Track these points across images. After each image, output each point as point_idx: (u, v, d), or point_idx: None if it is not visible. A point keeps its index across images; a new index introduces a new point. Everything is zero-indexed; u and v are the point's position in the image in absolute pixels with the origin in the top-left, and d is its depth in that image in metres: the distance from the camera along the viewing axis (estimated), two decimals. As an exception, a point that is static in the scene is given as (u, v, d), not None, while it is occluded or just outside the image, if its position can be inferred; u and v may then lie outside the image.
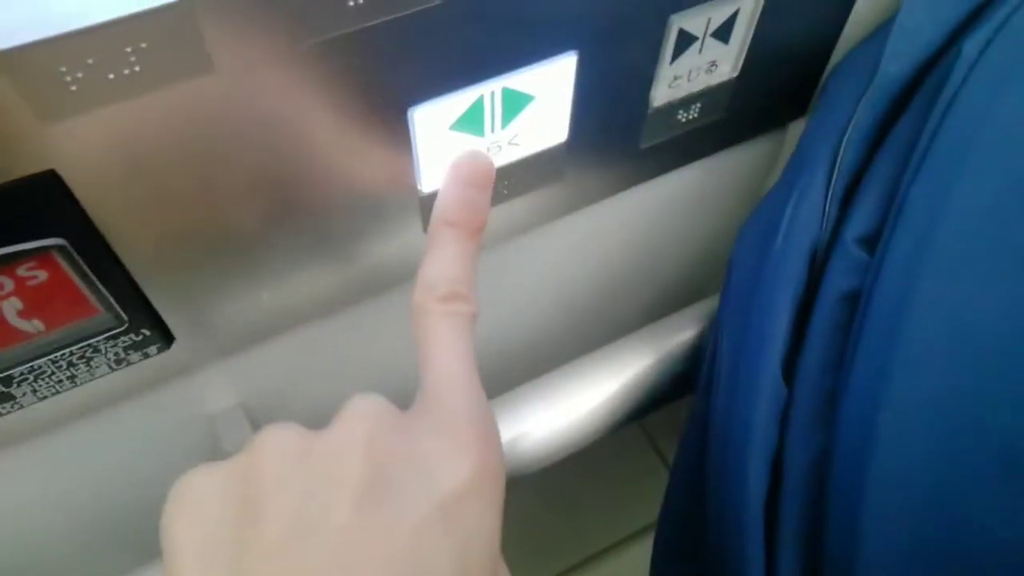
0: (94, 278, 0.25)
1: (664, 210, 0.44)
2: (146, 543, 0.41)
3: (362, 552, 0.20)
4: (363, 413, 0.23)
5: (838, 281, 0.30)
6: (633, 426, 0.45)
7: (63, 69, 0.20)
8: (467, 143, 0.29)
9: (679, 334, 0.44)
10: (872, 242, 0.30)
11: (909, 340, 0.27)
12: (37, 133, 0.21)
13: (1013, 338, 0.25)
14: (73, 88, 0.20)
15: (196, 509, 0.21)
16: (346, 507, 0.20)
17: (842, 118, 0.33)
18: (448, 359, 0.25)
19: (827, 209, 0.32)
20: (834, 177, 0.32)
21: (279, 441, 0.22)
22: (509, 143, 0.31)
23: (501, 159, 0.31)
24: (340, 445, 0.22)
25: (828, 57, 0.37)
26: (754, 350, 0.32)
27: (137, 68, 0.21)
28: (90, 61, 0.20)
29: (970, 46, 0.30)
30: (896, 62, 0.31)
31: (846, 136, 0.32)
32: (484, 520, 0.22)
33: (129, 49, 0.20)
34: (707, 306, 0.46)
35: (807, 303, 0.32)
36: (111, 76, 0.20)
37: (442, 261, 0.26)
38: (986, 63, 0.29)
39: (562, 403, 0.41)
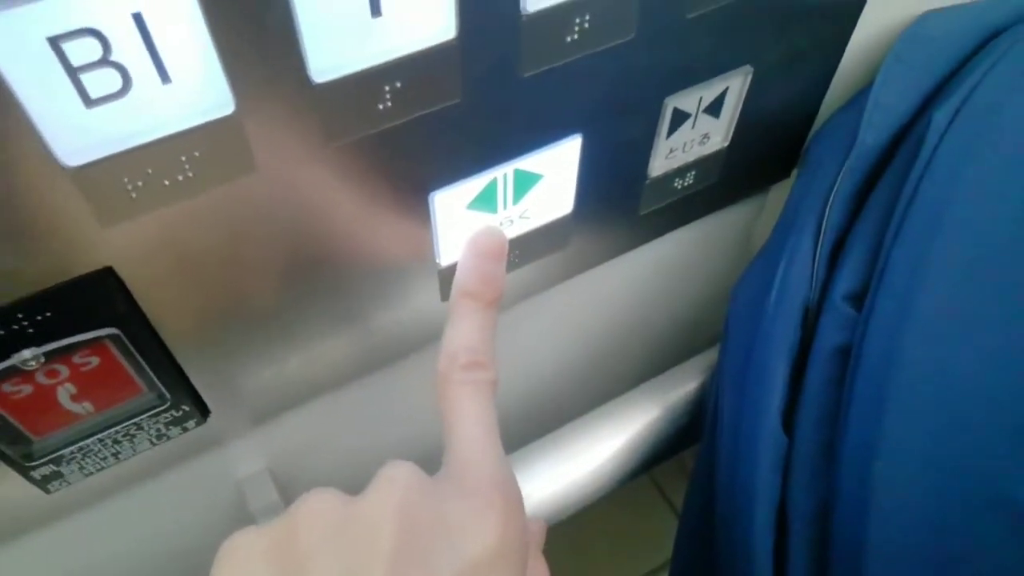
0: (142, 361, 0.27)
1: (660, 269, 0.47)
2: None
3: None
4: (395, 481, 0.24)
5: (830, 336, 0.32)
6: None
7: (125, 179, 0.22)
8: (482, 220, 0.32)
9: (681, 387, 0.46)
10: (859, 298, 0.32)
11: (898, 392, 0.29)
12: (97, 235, 0.23)
13: (993, 385, 0.28)
14: (133, 195, 0.22)
15: (241, 570, 0.23)
16: (380, 573, 0.22)
17: (825, 183, 0.35)
18: (471, 426, 0.26)
19: (815, 269, 0.34)
20: (821, 238, 0.34)
21: (318, 507, 0.23)
22: (520, 217, 0.33)
23: (512, 232, 0.33)
24: (374, 512, 0.23)
25: (811, 124, 0.39)
26: (754, 404, 0.34)
27: (190, 174, 0.23)
28: (149, 171, 0.22)
29: (940, 116, 0.32)
30: (872, 133, 0.34)
31: (830, 200, 0.35)
32: None
33: (184, 158, 0.22)
34: (706, 359, 0.48)
35: (802, 357, 0.34)
36: (166, 182, 0.23)
37: (462, 331, 0.28)
38: (955, 131, 0.32)
39: (572, 460, 0.43)
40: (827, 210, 0.34)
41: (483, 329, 0.29)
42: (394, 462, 0.25)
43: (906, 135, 0.34)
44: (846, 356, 0.31)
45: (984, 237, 0.30)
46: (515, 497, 0.25)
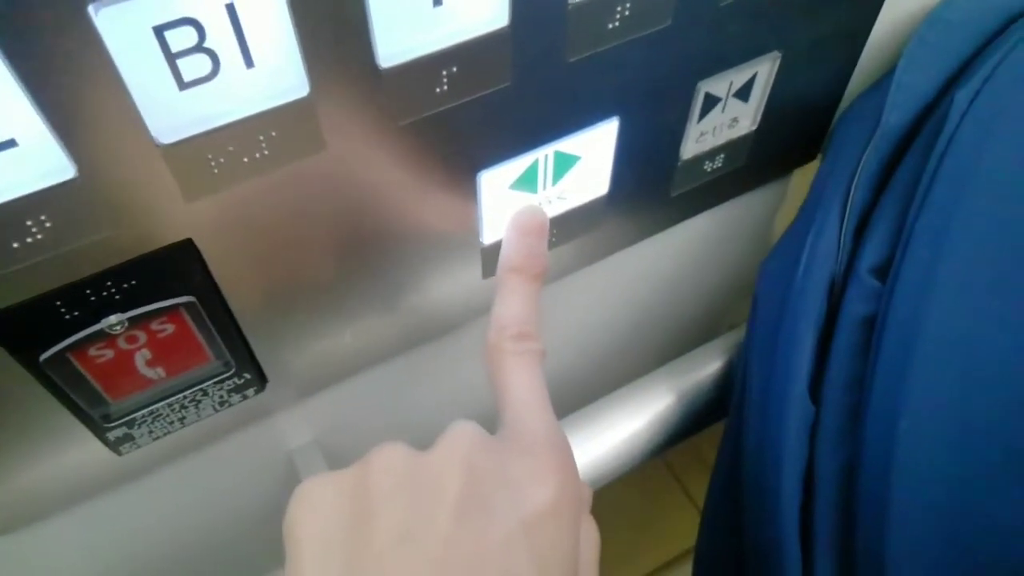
0: (212, 329, 0.29)
1: (688, 250, 0.48)
2: (230, 567, 0.44)
3: (459, 559, 0.23)
4: (461, 437, 0.26)
5: (855, 308, 0.34)
6: (656, 461, 0.47)
7: (209, 156, 0.24)
8: (523, 199, 0.33)
9: (708, 365, 0.47)
10: (884, 271, 0.34)
11: (922, 355, 0.30)
12: (179, 209, 0.25)
13: (1011, 348, 0.29)
14: (215, 171, 0.24)
15: (315, 513, 0.24)
16: (446, 519, 0.23)
17: (850, 162, 0.37)
18: (525, 392, 0.28)
19: (842, 243, 0.36)
20: (847, 215, 0.36)
21: (389, 458, 0.25)
22: (558, 198, 0.35)
23: (551, 212, 0.35)
24: (441, 465, 0.25)
25: (835, 108, 0.41)
26: (782, 373, 0.36)
27: (266, 152, 0.25)
28: (231, 148, 0.24)
29: (961, 96, 0.34)
30: (896, 113, 0.35)
31: (855, 178, 0.36)
32: (562, 537, 0.25)
33: (262, 137, 0.24)
34: (732, 338, 0.49)
35: (828, 328, 0.36)
36: (245, 160, 0.25)
37: (511, 304, 0.30)
38: (976, 111, 0.33)
39: (604, 433, 0.45)
40: (853, 188, 0.36)
41: (529, 303, 0.30)
42: (460, 421, 0.26)
43: (929, 115, 0.35)
44: (871, 326, 0.33)
45: (1004, 208, 0.31)
46: (570, 458, 0.27)
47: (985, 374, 0.29)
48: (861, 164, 0.36)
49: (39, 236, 0.23)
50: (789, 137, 0.41)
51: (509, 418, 0.27)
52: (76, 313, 0.26)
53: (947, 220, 0.32)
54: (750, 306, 0.41)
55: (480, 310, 0.39)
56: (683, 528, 0.91)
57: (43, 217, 0.22)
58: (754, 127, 0.38)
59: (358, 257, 0.31)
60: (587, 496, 0.32)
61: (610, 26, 0.28)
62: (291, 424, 0.40)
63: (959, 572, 0.30)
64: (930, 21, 0.36)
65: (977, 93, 0.34)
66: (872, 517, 0.30)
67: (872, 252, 0.35)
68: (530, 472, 0.25)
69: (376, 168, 0.28)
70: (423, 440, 0.27)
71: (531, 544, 0.24)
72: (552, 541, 0.24)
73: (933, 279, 0.31)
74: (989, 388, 0.29)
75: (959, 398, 0.29)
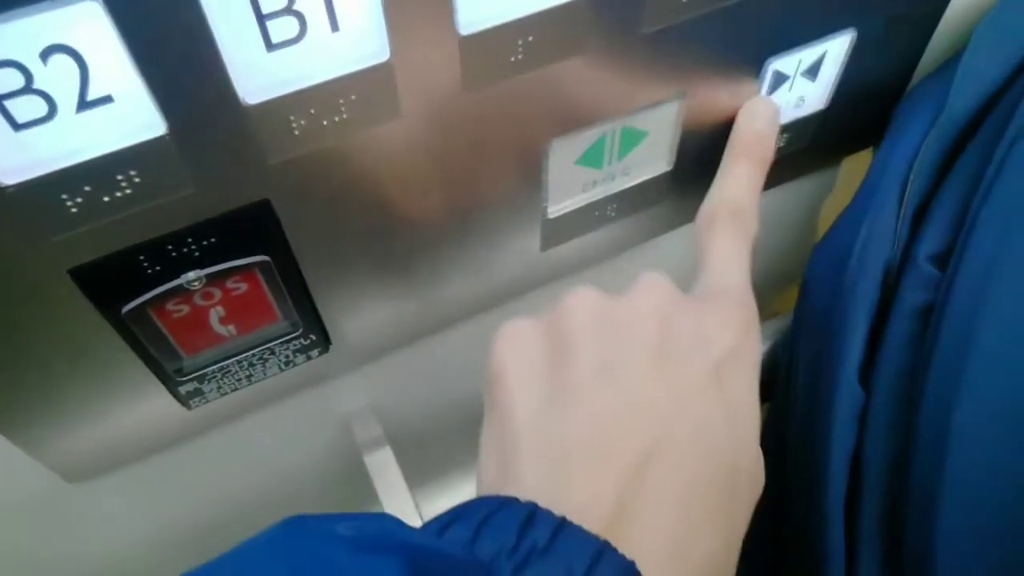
0: (284, 290, 0.30)
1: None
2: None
3: (656, 398, 0.24)
4: (654, 288, 0.27)
5: (911, 296, 0.34)
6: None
7: (291, 118, 0.24)
8: (586, 176, 0.34)
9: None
10: (943, 259, 0.34)
11: (981, 347, 0.30)
12: (260, 169, 0.26)
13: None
14: (296, 133, 0.25)
15: (518, 345, 0.26)
16: (643, 360, 0.25)
17: (910, 147, 0.36)
18: (728, 260, 0.30)
19: (898, 230, 0.35)
20: (904, 201, 0.36)
21: (583, 299, 0.27)
22: (622, 173, 0.35)
23: (613, 188, 0.35)
24: (637, 310, 0.26)
25: (902, 91, 0.40)
26: (833, 359, 0.36)
27: (345, 116, 0.25)
28: (312, 111, 0.25)
29: (1034, 84, 0.33)
30: (962, 99, 0.35)
31: (915, 164, 0.36)
32: (746, 383, 0.26)
33: (342, 101, 0.25)
34: (777, 324, 0.49)
35: (881, 316, 0.35)
36: (325, 123, 0.25)
37: (737, 183, 0.32)
38: (1050, 99, 0.33)
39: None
40: (912, 174, 0.35)
41: (751, 186, 0.32)
42: (652, 271, 0.28)
43: (997, 101, 0.35)
44: (927, 314, 0.33)
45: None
46: (754, 317, 0.28)
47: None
48: (922, 149, 0.36)
49: (128, 191, 0.24)
50: (853, 119, 0.41)
51: (706, 276, 0.29)
52: (157, 268, 0.27)
53: (1015, 210, 0.31)
54: (798, 290, 0.41)
55: (537, 282, 0.39)
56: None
57: (133, 172, 0.23)
58: (820, 107, 0.38)
59: (425, 224, 0.32)
60: None
61: None
62: (349, 389, 0.41)
63: (1012, 570, 0.29)
64: (1001, 5, 0.36)
65: (1051, 81, 0.34)
66: (922, 509, 0.30)
67: (931, 239, 0.34)
68: (718, 324, 0.27)
69: (448, 136, 0.28)
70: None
71: (723, 392, 0.25)
72: (739, 385, 0.26)
73: (997, 269, 0.30)
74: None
75: (1016, 392, 0.29)
